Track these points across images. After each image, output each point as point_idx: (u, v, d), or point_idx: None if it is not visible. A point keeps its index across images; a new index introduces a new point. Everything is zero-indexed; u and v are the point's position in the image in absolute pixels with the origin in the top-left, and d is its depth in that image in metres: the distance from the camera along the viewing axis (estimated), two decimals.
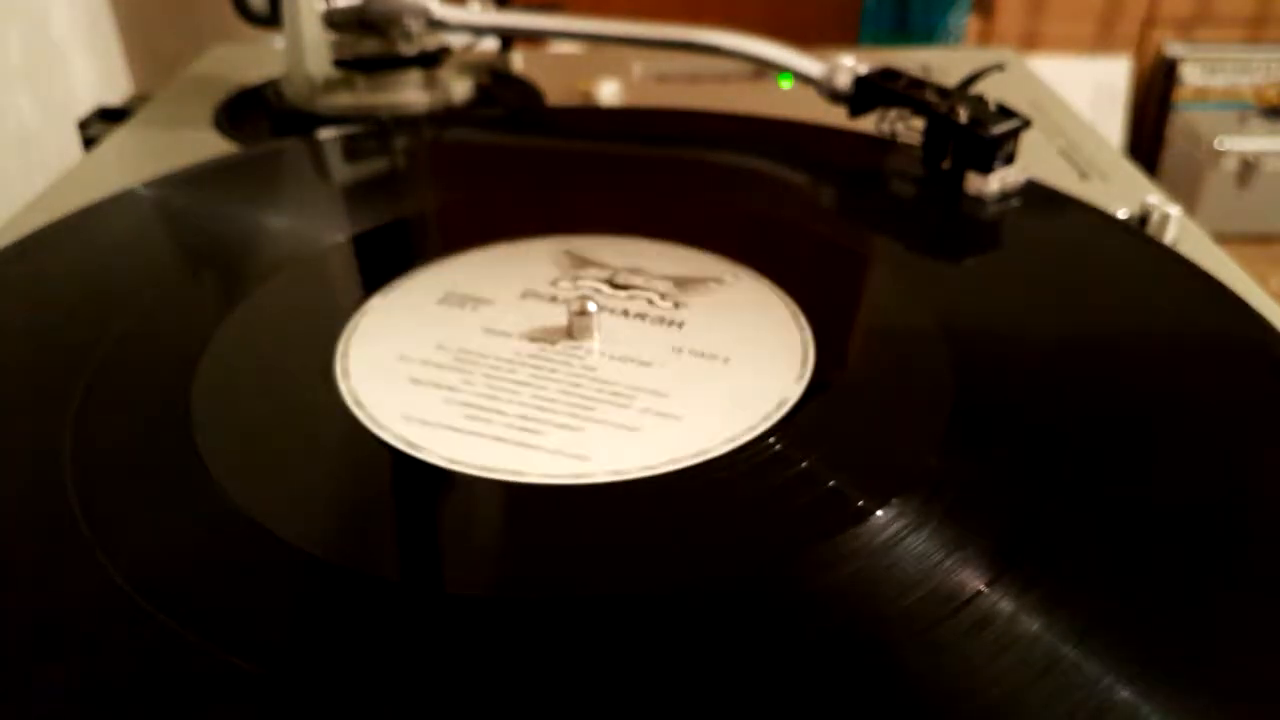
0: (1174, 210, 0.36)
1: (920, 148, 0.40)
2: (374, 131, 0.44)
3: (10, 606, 0.20)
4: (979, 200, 0.37)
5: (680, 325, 0.29)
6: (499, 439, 0.25)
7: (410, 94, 0.49)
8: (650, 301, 0.30)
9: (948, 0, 1.27)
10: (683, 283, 0.31)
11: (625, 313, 0.30)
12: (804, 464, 0.24)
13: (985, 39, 1.39)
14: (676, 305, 0.30)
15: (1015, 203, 0.37)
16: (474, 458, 0.24)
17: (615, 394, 0.27)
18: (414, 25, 0.48)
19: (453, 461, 0.24)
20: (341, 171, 0.41)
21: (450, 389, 0.27)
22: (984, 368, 0.27)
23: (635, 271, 0.32)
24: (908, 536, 0.21)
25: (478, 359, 0.28)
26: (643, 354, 0.28)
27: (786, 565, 0.21)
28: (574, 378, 0.27)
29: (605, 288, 0.31)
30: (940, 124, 0.38)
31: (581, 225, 0.35)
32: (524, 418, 0.26)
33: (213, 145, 0.46)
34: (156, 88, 0.55)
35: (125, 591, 0.20)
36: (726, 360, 0.27)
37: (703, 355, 0.28)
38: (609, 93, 0.53)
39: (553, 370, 0.28)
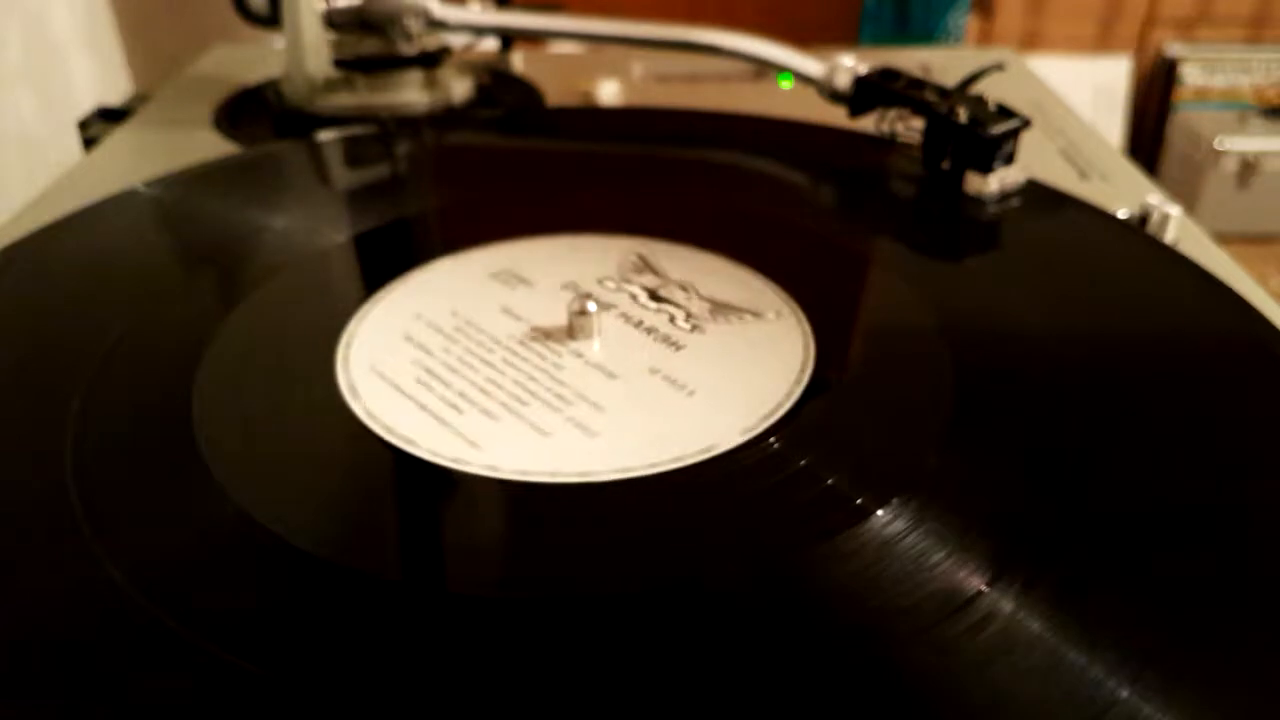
0: (1174, 210, 0.36)
1: (920, 148, 0.40)
2: (374, 132, 0.44)
3: (10, 606, 0.20)
4: (979, 200, 0.37)
5: (679, 348, 0.29)
6: (424, 408, 0.26)
7: (410, 94, 0.49)
8: (673, 320, 0.30)
9: (948, 0, 1.27)
10: (719, 308, 0.30)
11: (639, 323, 0.30)
12: (804, 464, 0.24)
13: (985, 39, 1.39)
14: (694, 329, 0.29)
15: (1015, 202, 0.37)
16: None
17: (557, 396, 0.27)
18: (414, 25, 0.48)
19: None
20: (342, 172, 0.42)
21: (426, 353, 0.28)
22: (984, 368, 0.27)
23: (684, 287, 0.31)
24: (908, 536, 0.21)
25: (470, 332, 0.29)
26: (618, 367, 0.28)
27: (787, 565, 0.21)
28: (535, 371, 0.28)
29: (644, 296, 0.31)
30: (940, 124, 0.38)
31: (581, 225, 0.35)
32: (461, 394, 0.27)
33: (213, 145, 0.46)
34: (156, 88, 0.55)
35: (125, 591, 0.20)
36: (691, 394, 0.27)
37: (673, 383, 0.27)
38: (609, 93, 0.53)
39: (523, 360, 0.28)
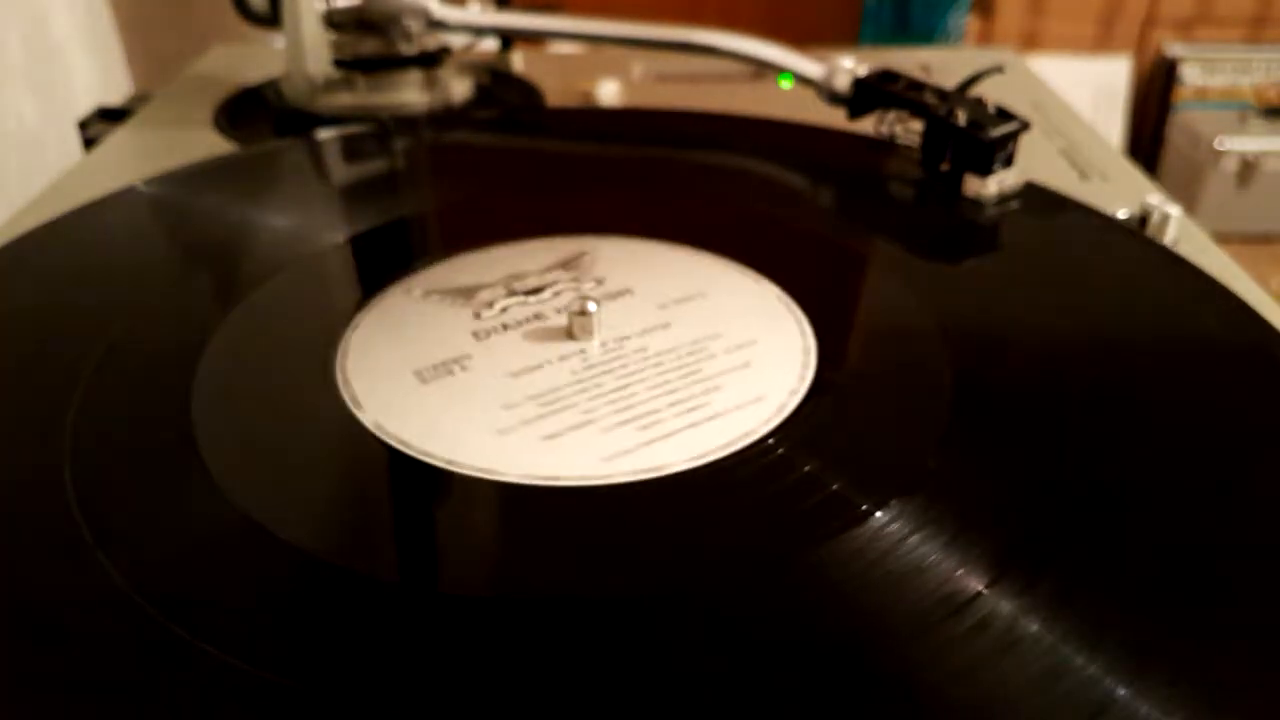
0: (1174, 210, 0.36)
1: (919, 150, 0.40)
2: (374, 131, 0.44)
3: (10, 606, 0.20)
4: (977, 202, 0.37)
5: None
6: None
7: (410, 94, 0.49)
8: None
9: (948, 0, 1.27)
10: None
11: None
12: (804, 465, 0.24)
13: (985, 39, 1.39)
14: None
15: (1014, 205, 0.37)
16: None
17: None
18: (414, 25, 0.48)
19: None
20: (341, 171, 0.42)
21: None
22: (983, 369, 0.27)
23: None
24: (908, 537, 0.21)
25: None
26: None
27: (787, 566, 0.21)
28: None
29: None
30: (939, 126, 0.38)
31: (582, 226, 0.35)
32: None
33: (213, 145, 0.46)
34: (156, 88, 0.55)
35: (125, 592, 0.20)
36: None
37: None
38: (609, 93, 0.53)
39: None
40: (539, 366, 0.28)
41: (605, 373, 0.28)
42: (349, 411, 0.26)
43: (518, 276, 0.32)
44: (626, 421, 0.26)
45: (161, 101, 0.52)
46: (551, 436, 0.25)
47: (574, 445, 0.25)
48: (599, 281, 0.32)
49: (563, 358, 0.28)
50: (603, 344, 0.29)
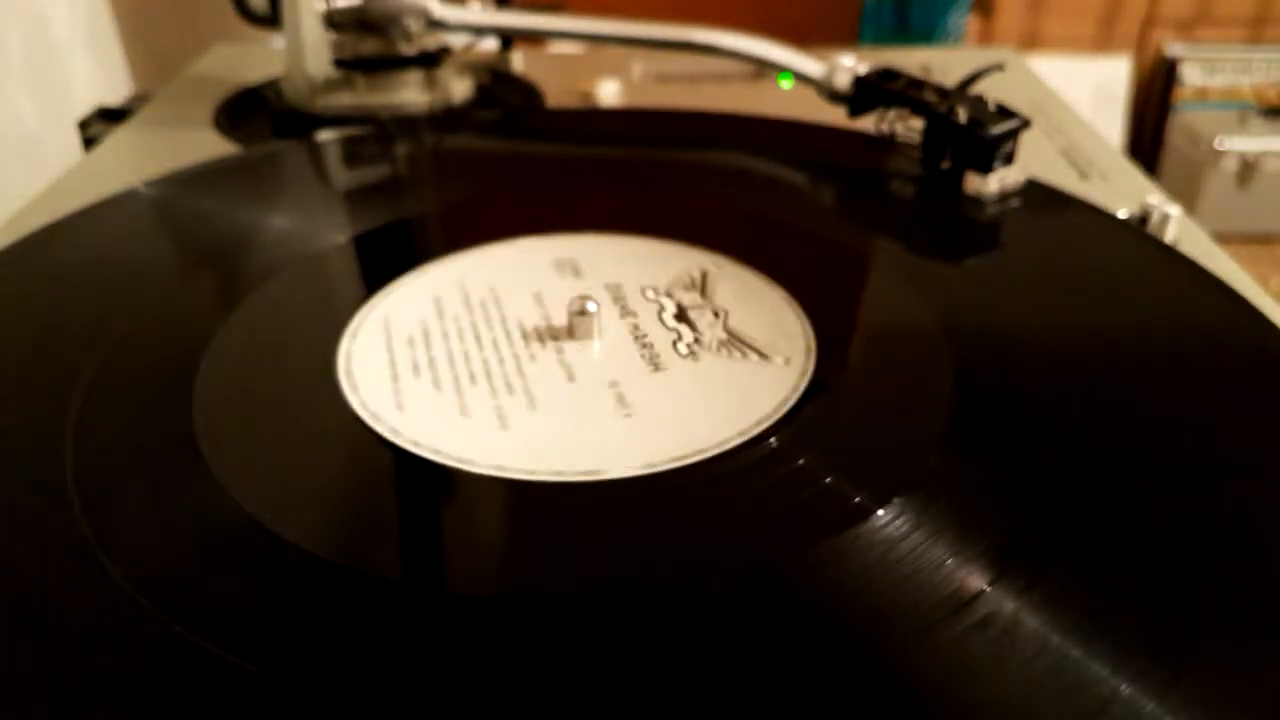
0: (1174, 210, 0.36)
1: (920, 148, 0.40)
2: (374, 133, 0.44)
3: (10, 606, 0.20)
4: (978, 200, 0.37)
5: (658, 369, 0.28)
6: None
7: (410, 94, 0.49)
8: (676, 342, 0.29)
9: (948, 0, 1.27)
10: (732, 343, 0.29)
11: (643, 337, 0.29)
12: (804, 463, 0.24)
13: (985, 39, 1.39)
14: (690, 354, 0.29)
15: (1015, 203, 0.37)
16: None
17: (505, 383, 0.27)
18: (414, 25, 0.48)
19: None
20: (342, 172, 0.42)
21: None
22: (984, 368, 0.27)
23: (718, 313, 0.30)
24: (908, 536, 0.21)
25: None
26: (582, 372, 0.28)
27: (787, 565, 0.21)
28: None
29: (672, 312, 0.30)
30: (939, 124, 0.38)
31: (575, 224, 0.35)
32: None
33: (213, 145, 0.46)
34: (156, 88, 0.55)
35: (125, 591, 0.20)
36: (628, 415, 0.26)
37: (619, 401, 0.27)
38: (609, 93, 0.53)
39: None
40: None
41: (487, 348, 0.28)
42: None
43: (701, 303, 0.31)
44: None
45: (161, 101, 0.52)
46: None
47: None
48: (704, 329, 0.30)
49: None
50: (553, 347, 0.29)
